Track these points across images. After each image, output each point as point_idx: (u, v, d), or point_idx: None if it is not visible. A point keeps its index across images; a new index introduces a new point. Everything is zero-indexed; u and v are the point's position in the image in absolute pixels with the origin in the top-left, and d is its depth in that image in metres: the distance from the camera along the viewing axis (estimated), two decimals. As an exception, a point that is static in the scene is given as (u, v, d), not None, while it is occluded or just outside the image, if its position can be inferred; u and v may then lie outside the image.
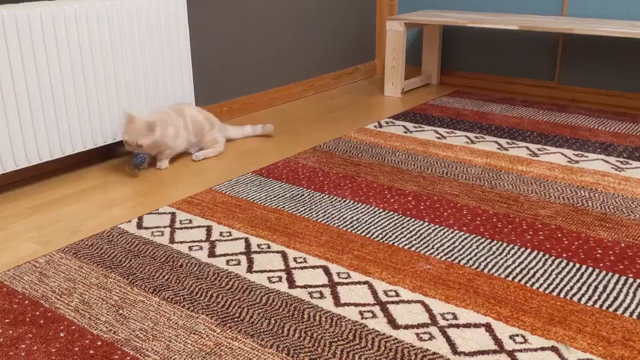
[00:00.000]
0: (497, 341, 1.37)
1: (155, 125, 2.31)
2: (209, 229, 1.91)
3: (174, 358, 1.32)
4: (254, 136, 2.87)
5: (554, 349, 1.34)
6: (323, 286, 1.59)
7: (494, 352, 1.33)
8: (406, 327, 1.42)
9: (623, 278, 1.61)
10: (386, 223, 1.93)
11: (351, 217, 1.98)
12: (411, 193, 2.17)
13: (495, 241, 1.81)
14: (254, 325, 1.43)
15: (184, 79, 2.69)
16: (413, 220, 1.96)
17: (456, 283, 1.59)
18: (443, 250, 1.76)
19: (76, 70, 2.28)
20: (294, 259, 1.72)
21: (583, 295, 1.54)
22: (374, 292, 1.56)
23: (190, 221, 1.97)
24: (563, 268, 1.66)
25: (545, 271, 1.65)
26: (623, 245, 1.78)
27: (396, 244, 1.80)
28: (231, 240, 1.84)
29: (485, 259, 1.72)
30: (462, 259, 1.72)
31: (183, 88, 2.70)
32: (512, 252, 1.75)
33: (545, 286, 1.58)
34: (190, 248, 1.80)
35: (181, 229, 1.92)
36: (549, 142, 2.70)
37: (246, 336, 1.39)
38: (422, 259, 1.72)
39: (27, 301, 1.53)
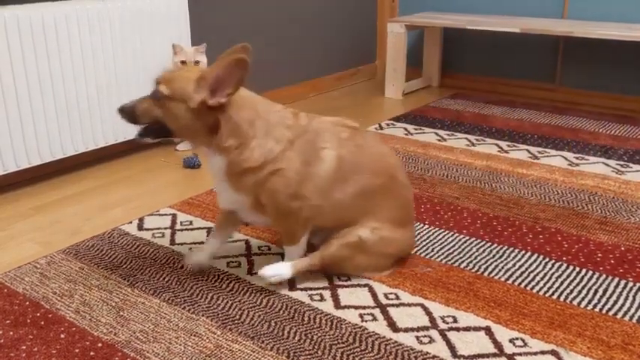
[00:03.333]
0: (497, 345, 1.37)
1: (203, 48, 2.57)
2: (209, 231, 1.91)
3: (174, 360, 1.33)
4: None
5: (554, 352, 1.34)
6: (323, 288, 1.60)
7: (494, 355, 1.33)
8: (406, 330, 1.42)
9: (623, 282, 1.61)
10: (386, 226, 1.93)
11: (352, 220, 1.98)
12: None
13: (495, 244, 1.82)
14: (254, 327, 1.44)
15: (185, 80, 2.69)
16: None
17: (456, 286, 1.60)
18: (443, 253, 1.77)
19: (77, 71, 2.28)
20: (295, 262, 1.73)
21: (583, 298, 1.54)
22: (374, 295, 1.56)
23: (191, 223, 1.97)
24: (563, 272, 1.66)
25: (545, 274, 1.65)
26: (623, 249, 1.78)
27: (396, 246, 1.80)
28: (232, 242, 1.84)
29: (486, 262, 1.72)
30: (462, 262, 1.72)
31: (184, 90, 2.70)
32: (513, 255, 1.75)
33: (545, 289, 1.58)
34: (191, 250, 1.80)
35: (182, 230, 1.92)
36: (550, 145, 2.70)
37: (246, 338, 1.40)
38: (422, 262, 1.72)
39: (28, 303, 1.54)
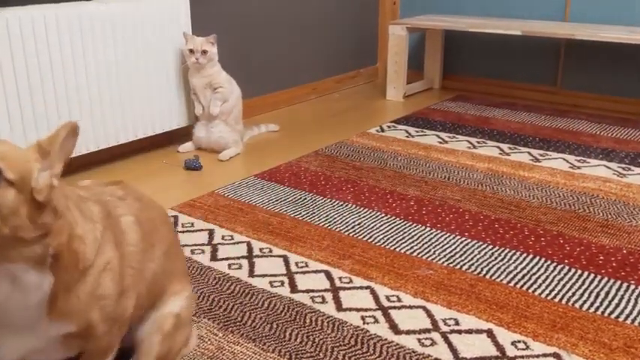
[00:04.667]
0: (499, 347, 1.37)
1: (213, 39, 2.58)
2: (211, 233, 1.91)
3: (176, 362, 1.32)
4: (258, 138, 2.87)
5: (556, 355, 1.34)
6: (325, 290, 1.60)
7: (497, 358, 1.33)
8: (408, 332, 1.42)
9: (625, 285, 1.61)
10: (388, 228, 1.94)
11: (353, 222, 1.98)
12: (413, 197, 2.17)
13: (497, 247, 1.81)
14: (256, 329, 1.43)
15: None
16: (415, 225, 1.96)
17: (458, 289, 1.60)
18: (445, 256, 1.76)
19: (78, 73, 2.28)
20: (296, 264, 1.73)
21: (585, 301, 1.54)
22: (376, 297, 1.56)
23: (192, 224, 1.97)
24: (565, 275, 1.66)
25: (547, 277, 1.65)
26: (625, 252, 1.78)
27: (397, 249, 1.81)
28: (233, 244, 1.84)
29: (487, 264, 1.72)
30: (464, 264, 1.72)
31: (186, 92, 2.70)
32: (514, 258, 1.75)
33: (547, 292, 1.58)
34: (192, 252, 1.80)
35: (183, 232, 1.92)
36: (551, 148, 2.70)
37: (248, 340, 1.39)
38: (424, 265, 1.72)
39: (29, 304, 1.53)
